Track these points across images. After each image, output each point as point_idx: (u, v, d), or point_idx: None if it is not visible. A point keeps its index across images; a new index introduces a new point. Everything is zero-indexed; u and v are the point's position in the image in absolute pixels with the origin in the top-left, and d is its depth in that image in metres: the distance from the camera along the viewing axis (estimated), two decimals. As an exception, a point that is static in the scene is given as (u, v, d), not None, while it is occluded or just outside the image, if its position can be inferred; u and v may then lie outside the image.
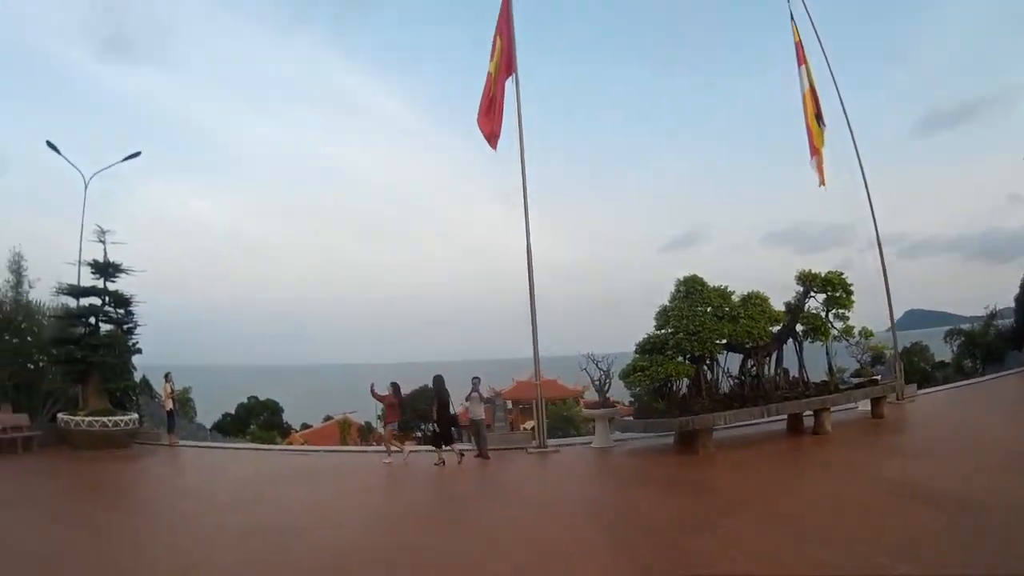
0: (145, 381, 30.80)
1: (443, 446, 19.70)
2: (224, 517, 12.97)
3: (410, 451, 21.36)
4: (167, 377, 26.17)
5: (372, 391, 20.59)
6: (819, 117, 25.54)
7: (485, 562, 9.29)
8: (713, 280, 19.94)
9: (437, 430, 20.24)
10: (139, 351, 26.90)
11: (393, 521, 12.88)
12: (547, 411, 26.11)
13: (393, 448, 20.65)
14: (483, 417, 20.79)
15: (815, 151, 25.68)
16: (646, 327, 19.89)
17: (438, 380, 20.45)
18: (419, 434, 51.05)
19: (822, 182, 25.82)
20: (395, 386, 20.56)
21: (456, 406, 19.80)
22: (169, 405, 25.94)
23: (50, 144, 28.13)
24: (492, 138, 22.35)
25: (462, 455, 19.43)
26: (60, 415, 23.69)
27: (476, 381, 20.97)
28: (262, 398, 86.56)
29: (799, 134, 26.29)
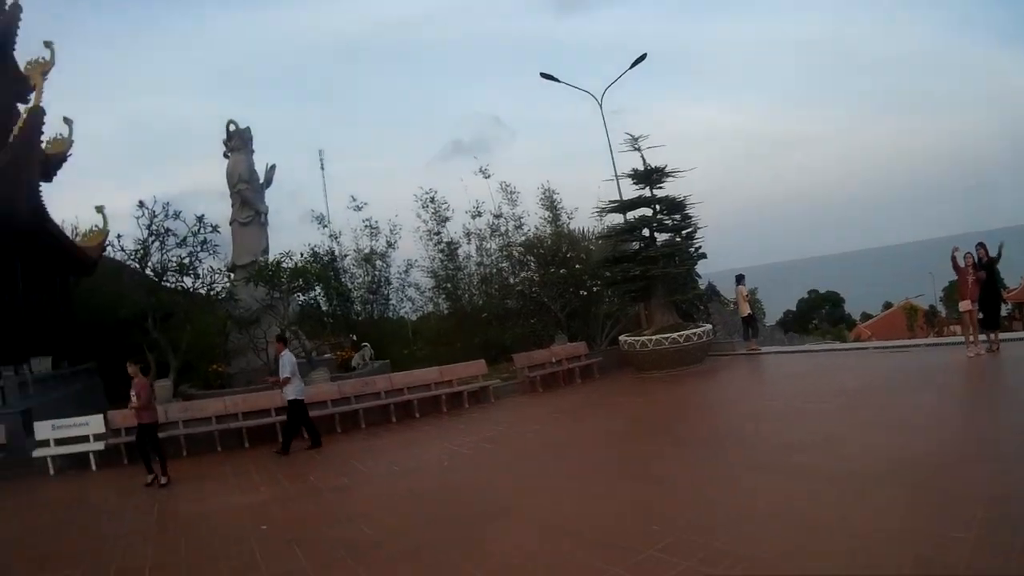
0: (712, 288, 28.21)
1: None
2: (850, 461, 8.71)
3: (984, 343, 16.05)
4: (740, 280, 23.32)
5: (953, 261, 15.91)
6: None
7: None
8: None
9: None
10: (703, 256, 24.08)
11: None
12: None
13: (971, 339, 15.76)
14: None
15: None
16: None
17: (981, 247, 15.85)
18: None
19: None
20: (983, 247, 15.78)
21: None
22: (746, 309, 23.09)
23: (546, 75, 26.40)
24: None
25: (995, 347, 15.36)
26: (622, 337, 21.62)
27: None
28: (822, 291, 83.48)
29: None
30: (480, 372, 20.10)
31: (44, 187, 24.20)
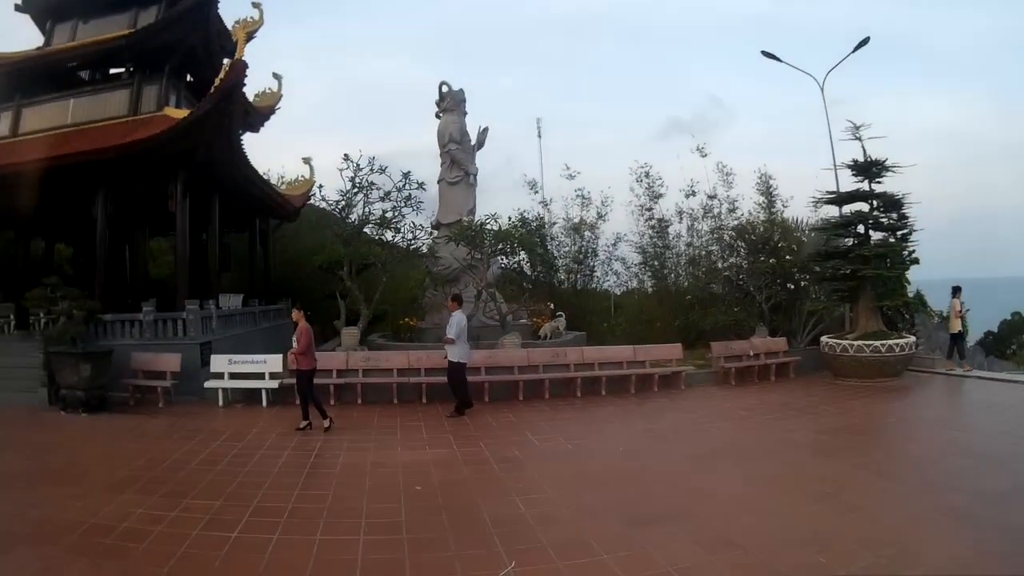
0: (919, 297, 26.50)
1: None
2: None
3: None
4: (956, 292, 21.40)
5: None
6: None
7: None
8: None
9: None
10: (916, 261, 22.16)
11: None
12: None
13: None
14: None
15: None
16: None
17: None
18: None
19: None
20: None
21: None
22: (957, 326, 21.18)
23: (767, 53, 25.59)
24: None
25: None
26: (824, 338, 20.49)
27: None
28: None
29: None
30: (675, 356, 19.47)
31: (252, 137, 25.82)
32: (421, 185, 22.92)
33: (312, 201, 29.82)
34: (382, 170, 22.39)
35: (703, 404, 16.73)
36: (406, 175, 22.52)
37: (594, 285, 34.24)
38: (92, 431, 14.24)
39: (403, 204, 22.58)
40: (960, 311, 21.09)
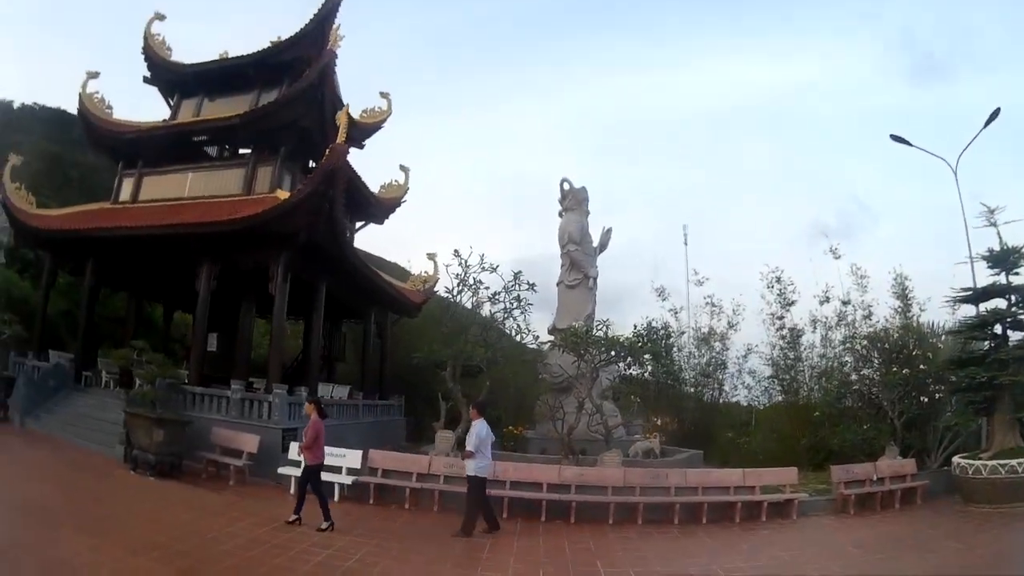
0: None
1: None
2: None
3: None
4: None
5: None
6: None
7: None
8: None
9: None
10: None
11: None
12: None
13: None
14: None
15: None
16: None
17: None
18: None
19: None
20: None
21: None
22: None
23: (896, 137, 24.02)
24: None
25: None
26: (956, 459, 18.10)
27: None
28: None
29: None
30: (788, 481, 17.81)
31: (376, 229, 26.21)
32: (532, 286, 22.20)
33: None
34: (493, 269, 21.89)
35: (812, 538, 15.11)
36: (516, 275, 22.00)
37: (723, 398, 33.07)
38: (150, 493, 14.69)
39: (513, 305, 21.98)
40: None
